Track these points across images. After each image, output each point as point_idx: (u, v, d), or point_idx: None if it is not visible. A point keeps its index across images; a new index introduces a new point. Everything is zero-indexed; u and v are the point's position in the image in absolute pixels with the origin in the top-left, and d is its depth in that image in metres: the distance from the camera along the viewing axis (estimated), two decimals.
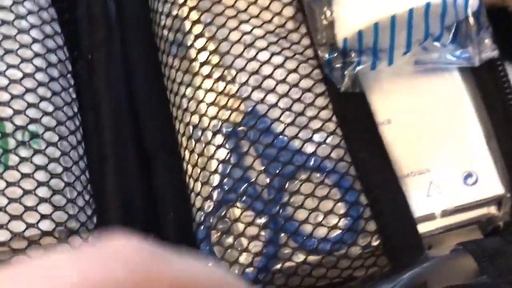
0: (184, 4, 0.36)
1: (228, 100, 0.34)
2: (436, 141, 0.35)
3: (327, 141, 0.34)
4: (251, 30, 0.35)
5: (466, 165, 0.35)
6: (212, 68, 0.35)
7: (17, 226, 0.30)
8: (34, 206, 0.30)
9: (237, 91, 0.34)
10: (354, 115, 0.34)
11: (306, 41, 0.35)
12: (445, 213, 0.34)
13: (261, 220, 0.33)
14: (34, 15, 0.34)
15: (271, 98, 0.34)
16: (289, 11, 0.36)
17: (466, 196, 0.34)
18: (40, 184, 0.31)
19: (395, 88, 0.36)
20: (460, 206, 0.34)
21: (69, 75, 0.35)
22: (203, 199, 0.34)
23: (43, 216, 0.30)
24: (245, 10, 0.35)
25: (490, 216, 0.34)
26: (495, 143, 0.35)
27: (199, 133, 0.35)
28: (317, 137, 0.34)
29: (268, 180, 0.33)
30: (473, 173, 0.34)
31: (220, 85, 0.35)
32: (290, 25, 0.35)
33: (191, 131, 0.35)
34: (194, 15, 0.36)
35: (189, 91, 0.35)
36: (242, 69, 0.34)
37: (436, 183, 0.34)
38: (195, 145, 0.35)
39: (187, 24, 0.36)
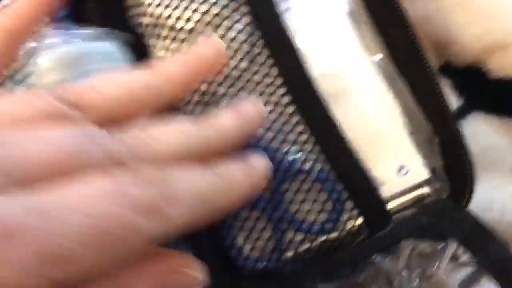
0: None
1: None
2: (374, 141, 0.46)
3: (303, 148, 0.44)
4: None
5: (399, 160, 0.47)
6: None
7: None
8: None
9: None
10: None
11: None
12: (393, 197, 0.46)
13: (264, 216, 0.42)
14: None
15: None
16: None
17: (402, 183, 0.46)
18: None
19: None
20: (400, 191, 0.46)
21: None
22: None
23: None
24: None
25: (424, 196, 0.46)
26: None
27: None
28: (293, 149, 0.44)
29: None
30: (405, 166, 0.47)
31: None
32: None
33: None
34: None
35: None
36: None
37: (379, 176, 0.46)
38: None
39: None
